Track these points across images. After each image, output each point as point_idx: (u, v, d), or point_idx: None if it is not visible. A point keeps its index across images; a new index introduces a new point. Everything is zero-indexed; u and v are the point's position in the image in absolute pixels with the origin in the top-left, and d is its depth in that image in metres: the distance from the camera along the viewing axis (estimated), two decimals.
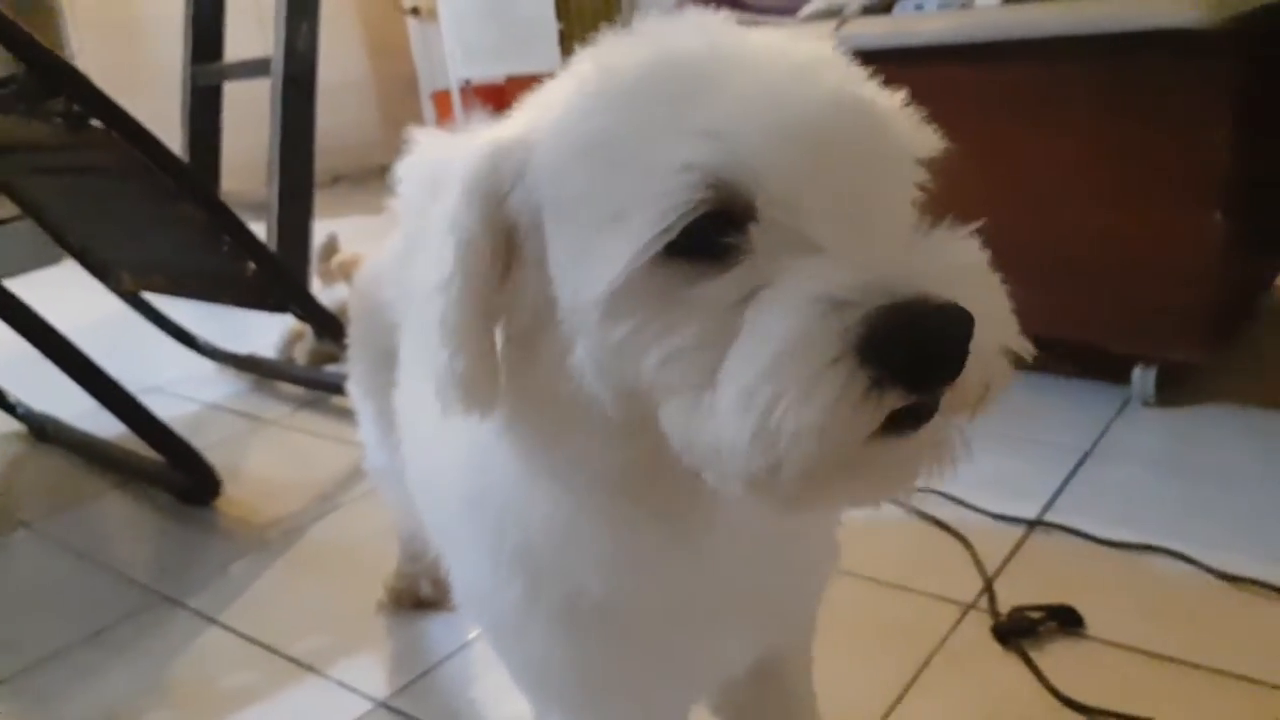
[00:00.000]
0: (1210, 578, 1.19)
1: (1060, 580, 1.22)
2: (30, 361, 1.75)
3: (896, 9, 1.73)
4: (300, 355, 2.37)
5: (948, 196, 0.58)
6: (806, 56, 0.51)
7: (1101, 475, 1.46)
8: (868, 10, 1.75)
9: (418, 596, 1.33)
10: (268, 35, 2.27)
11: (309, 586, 1.45)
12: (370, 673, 1.24)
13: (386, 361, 0.96)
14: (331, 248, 2.50)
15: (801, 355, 0.44)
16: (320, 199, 2.39)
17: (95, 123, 1.56)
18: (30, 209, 2.28)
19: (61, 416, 2.10)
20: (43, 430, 2.11)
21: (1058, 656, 1.10)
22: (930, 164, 0.54)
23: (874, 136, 0.50)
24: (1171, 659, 1.07)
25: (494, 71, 4.38)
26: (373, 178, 4.73)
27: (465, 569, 0.73)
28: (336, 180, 4.96)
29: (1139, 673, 1.06)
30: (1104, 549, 1.27)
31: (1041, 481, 1.44)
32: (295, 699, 1.21)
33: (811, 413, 0.44)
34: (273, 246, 2.18)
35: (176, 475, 1.75)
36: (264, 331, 2.42)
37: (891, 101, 0.53)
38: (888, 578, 1.26)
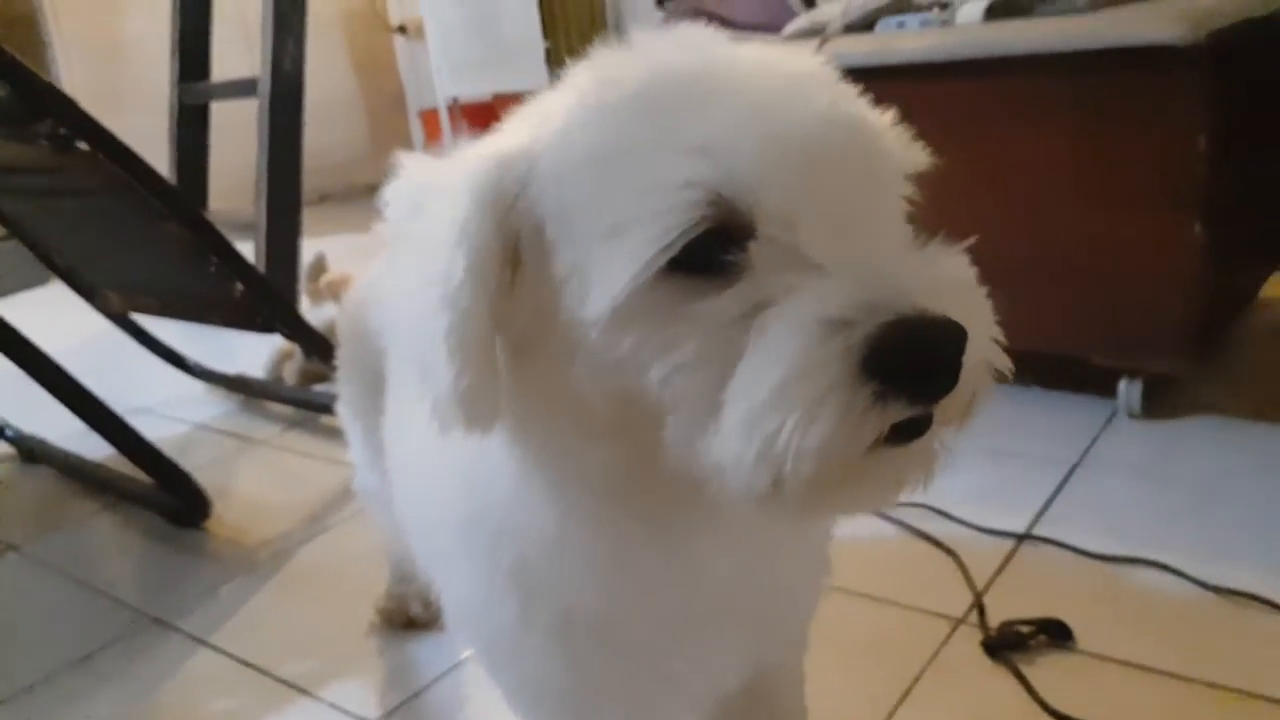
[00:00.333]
0: (1199, 590, 1.20)
1: (1049, 593, 1.23)
2: (18, 383, 1.75)
3: (879, 27, 1.74)
4: (289, 375, 2.36)
5: (931, 211, 0.59)
6: (798, 72, 0.53)
7: (1089, 488, 1.46)
8: (850, 28, 1.77)
9: (408, 617, 1.33)
10: (254, 54, 2.28)
11: (299, 608, 1.45)
12: (361, 694, 1.23)
13: (375, 385, 0.96)
14: (320, 267, 2.50)
15: (808, 378, 0.45)
16: (308, 217, 2.40)
17: (81, 145, 1.56)
18: (16, 230, 2.27)
19: (50, 438, 2.09)
20: (31, 452, 2.10)
21: (1047, 670, 1.10)
22: (916, 179, 0.56)
23: (866, 152, 0.51)
24: (1160, 671, 1.08)
25: (481, 89, 4.39)
26: (361, 196, 4.73)
27: (458, 590, 0.73)
28: (324, 198, 4.96)
29: (1128, 686, 1.07)
30: (1092, 562, 1.28)
31: (1030, 495, 1.44)
32: None
33: (818, 433, 0.45)
34: (261, 266, 2.19)
35: (166, 497, 1.75)
36: (253, 351, 2.41)
37: (881, 118, 0.55)
38: (878, 593, 1.27)
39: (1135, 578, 1.24)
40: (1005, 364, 0.52)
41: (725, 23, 2.36)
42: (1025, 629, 1.14)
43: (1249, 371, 1.79)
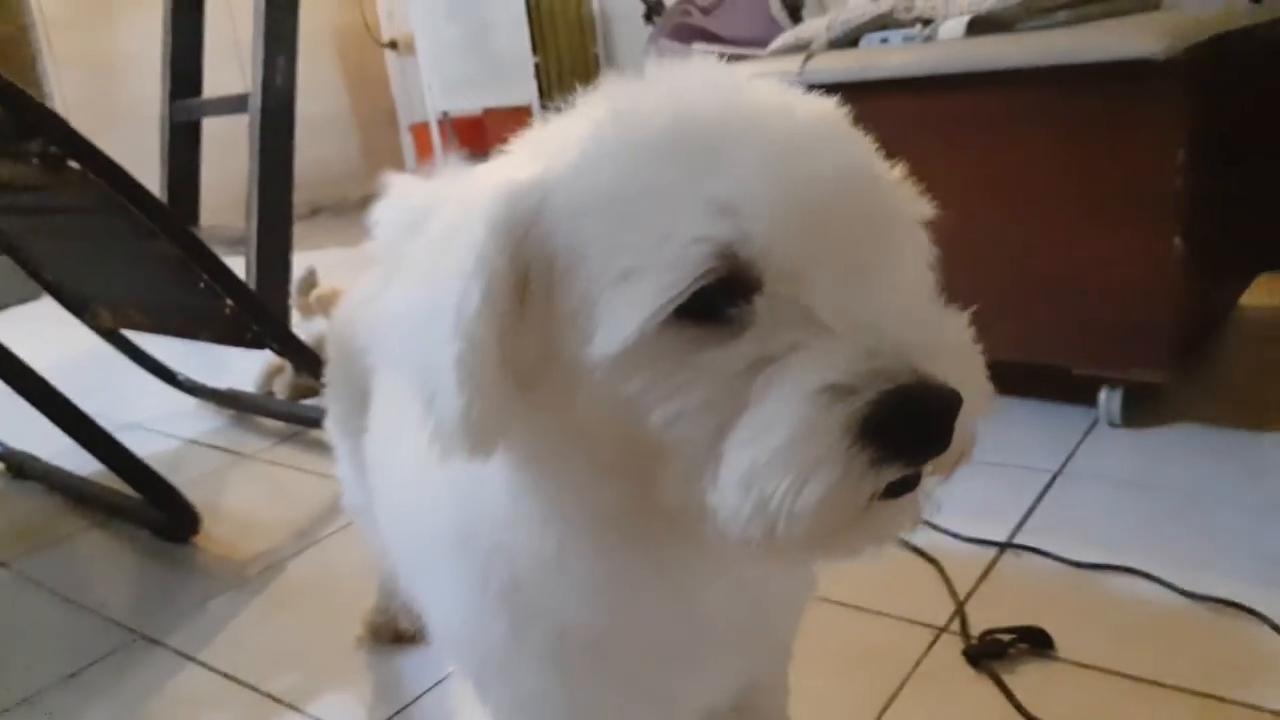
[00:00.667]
0: (1179, 598, 1.21)
1: (1031, 602, 1.24)
2: (7, 399, 1.75)
3: (863, 43, 1.76)
4: (280, 389, 2.37)
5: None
6: (815, 120, 0.54)
7: (1070, 497, 1.48)
8: (835, 44, 1.79)
9: (397, 631, 1.34)
10: (246, 70, 2.29)
11: (288, 623, 1.45)
12: (349, 708, 1.24)
13: (363, 403, 0.96)
14: (310, 281, 2.51)
15: (807, 443, 0.47)
16: (300, 231, 2.40)
17: (72, 163, 1.57)
18: (6, 247, 2.27)
19: (39, 454, 2.09)
20: (20, 468, 2.10)
21: (1029, 678, 1.11)
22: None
23: (879, 207, 0.53)
24: (1141, 679, 1.09)
25: (472, 104, 4.41)
26: (353, 209, 4.74)
27: (445, 609, 0.73)
28: (316, 212, 4.97)
29: (1109, 693, 1.08)
30: (1073, 570, 1.29)
31: (1011, 504, 1.46)
32: None
33: (813, 495, 0.47)
34: (252, 281, 2.19)
35: (155, 512, 1.75)
36: (243, 366, 2.42)
37: (891, 171, 0.57)
38: (861, 602, 1.28)
39: (1116, 586, 1.26)
40: (992, 411, 0.54)
41: (712, 39, 2.38)
42: (1006, 637, 1.15)
43: (1229, 380, 1.81)
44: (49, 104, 4.06)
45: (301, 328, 2.31)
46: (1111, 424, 1.65)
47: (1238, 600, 1.18)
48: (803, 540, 0.49)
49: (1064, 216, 1.58)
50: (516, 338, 0.53)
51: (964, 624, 1.21)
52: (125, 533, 1.80)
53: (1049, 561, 1.31)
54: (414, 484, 0.74)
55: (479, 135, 4.46)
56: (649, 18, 3.42)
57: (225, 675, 1.33)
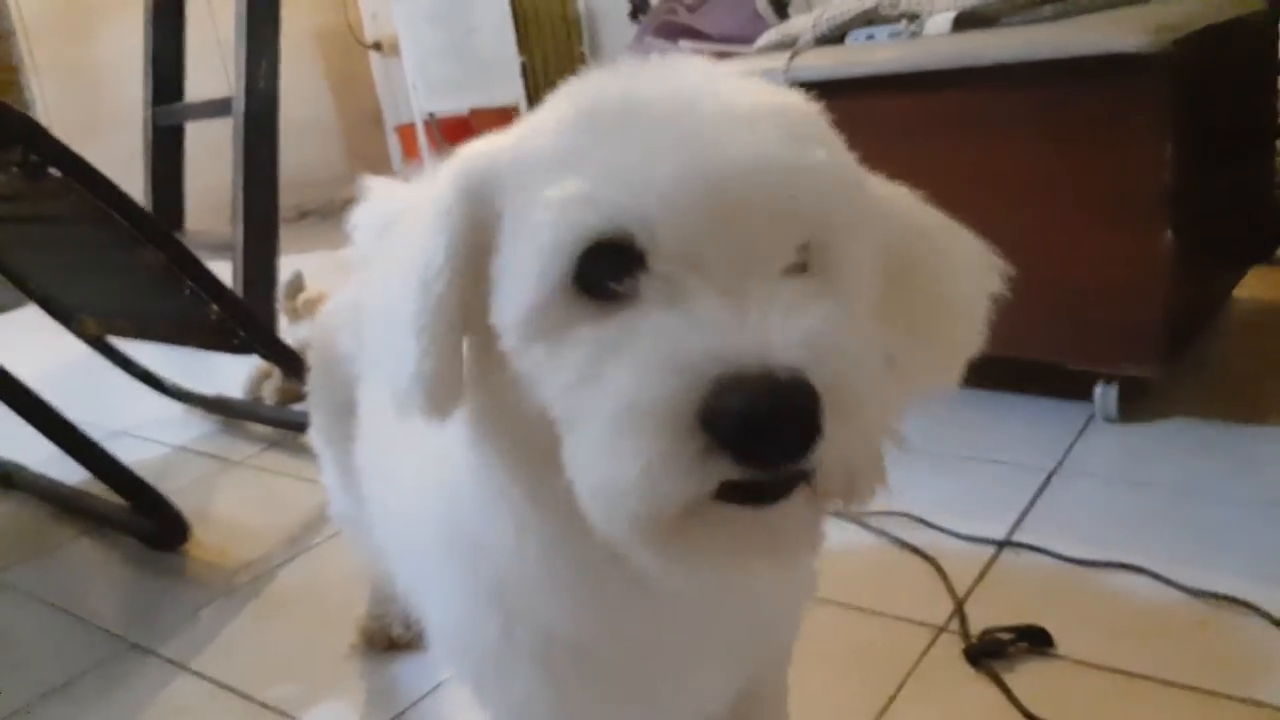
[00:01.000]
0: (1177, 593, 1.20)
1: (1030, 600, 1.24)
2: None
3: (849, 39, 1.76)
4: (268, 394, 2.35)
5: None
6: (744, 110, 0.51)
7: (1067, 493, 1.47)
8: (821, 41, 1.78)
9: (390, 638, 1.32)
10: (229, 74, 2.27)
11: (280, 630, 1.44)
12: (343, 716, 1.23)
13: (347, 412, 0.96)
14: (297, 285, 2.49)
15: (634, 417, 0.44)
16: (287, 234, 2.39)
17: (54, 171, 1.55)
18: None
19: (27, 463, 2.07)
20: (8, 478, 2.08)
21: (1029, 677, 1.10)
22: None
23: (780, 198, 0.48)
24: (1141, 676, 1.08)
25: (457, 105, 4.39)
26: (339, 212, 4.66)
27: (441, 612, 0.72)
28: (303, 215, 4.94)
29: (1109, 691, 1.07)
30: (1072, 567, 1.29)
31: (1009, 501, 1.45)
32: None
33: (635, 472, 0.44)
34: (238, 286, 2.17)
35: (144, 521, 1.73)
36: (231, 372, 2.40)
37: (817, 158, 0.51)
38: (860, 602, 1.27)
39: (1114, 583, 1.25)
40: (899, 441, 0.50)
41: (698, 36, 2.38)
42: (1006, 636, 1.15)
43: (1223, 374, 1.81)
44: (30, 112, 4.04)
45: (289, 332, 2.30)
46: (1107, 420, 1.64)
47: (1236, 595, 1.17)
48: (635, 532, 0.46)
49: (1054, 212, 1.58)
50: (477, 305, 0.54)
51: (963, 623, 1.20)
52: (114, 541, 1.78)
53: (1047, 559, 1.31)
54: (406, 488, 0.74)
55: (466, 136, 4.41)
56: (635, 15, 3.41)
57: (218, 684, 1.32)
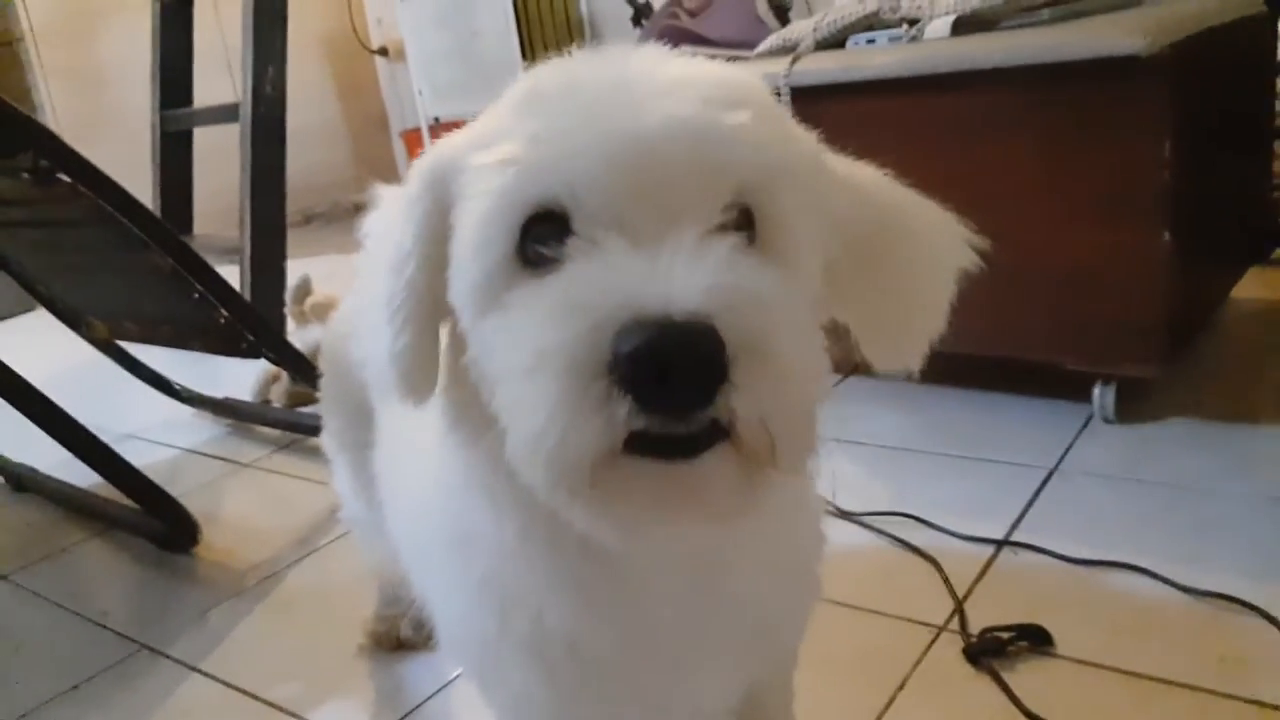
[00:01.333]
0: (1176, 593, 1.21)
1: (1029, 599, 1.24)
2: (4, 411, 1.75)
3: (849, 44, 1.77)
4: (277, 397, 2.37)
5: None
6: (671, 79, 0.52)
7: (1066, 493, 1.48)
8: (822, 45, 1.79)
9: (398, 639, 1.34)
10: (236, 80, 2.29)
11: (289, 631, 1.45)
12: (352, 716, 1.24)
13: (360, 417, 0.97)
14: (305, 289, 2.51)
15: (542, 360, 0.46)
16: (294, 239, 2.41)
17: (63, 176, 1.57)
18: (0, 260, 2.27)
19: (38, 466, 2.09)
20: (19, 480, 2.10)
21: (1028, 676, 1.11)
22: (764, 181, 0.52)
23: (695, 158, 0.50)
24: (1140, 675, 1.09)
25: (462, 109, 4.41)
26: (346, 216, 4.74)
27: (445, 607, 0.74)
28: (310, 220, 4.97)
29: (1109, 690, 1.08)
30: (1071, 567, 1.29)
31: (1008, 501, 1.46)
32: None
33: (544, 416, 0.45)
34: (246, 291, 2.19)
35: (154, 523, 1.75)
36: (240, 375, 2.42)
37: (737, 120, 0.51)
38: (860, 602, 1.28)
39: (1113, 582, 1.26)
40: (821, 398, 0.49)
41: (700, 41, 2.39)
42: (1006, 635, 1.16)
43: (1221, 373, 1.81)
44: (39, 117, 4.07)
45: (296, 336, 2.31)
46: (1105, 419, 1.65)
47: (1235, 594, 1.18)
48: (554, 482, 0.46)
49: (1053, 213, 1.59)
50: (441, 285, 0.57)
51: (963, 622, 1.21)
52: (125, 544, 1.80)
53: (1047, 558, 1.32)
54: (413, 487, 0.75)
55: None
56: (637, 21, 3.42)
57: (227, 685, 1.33)
